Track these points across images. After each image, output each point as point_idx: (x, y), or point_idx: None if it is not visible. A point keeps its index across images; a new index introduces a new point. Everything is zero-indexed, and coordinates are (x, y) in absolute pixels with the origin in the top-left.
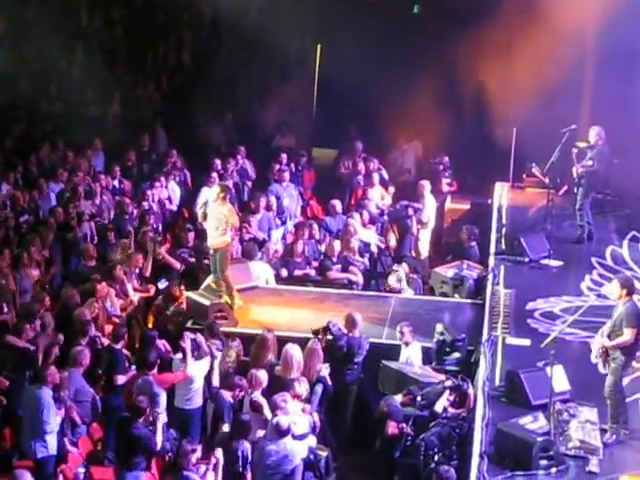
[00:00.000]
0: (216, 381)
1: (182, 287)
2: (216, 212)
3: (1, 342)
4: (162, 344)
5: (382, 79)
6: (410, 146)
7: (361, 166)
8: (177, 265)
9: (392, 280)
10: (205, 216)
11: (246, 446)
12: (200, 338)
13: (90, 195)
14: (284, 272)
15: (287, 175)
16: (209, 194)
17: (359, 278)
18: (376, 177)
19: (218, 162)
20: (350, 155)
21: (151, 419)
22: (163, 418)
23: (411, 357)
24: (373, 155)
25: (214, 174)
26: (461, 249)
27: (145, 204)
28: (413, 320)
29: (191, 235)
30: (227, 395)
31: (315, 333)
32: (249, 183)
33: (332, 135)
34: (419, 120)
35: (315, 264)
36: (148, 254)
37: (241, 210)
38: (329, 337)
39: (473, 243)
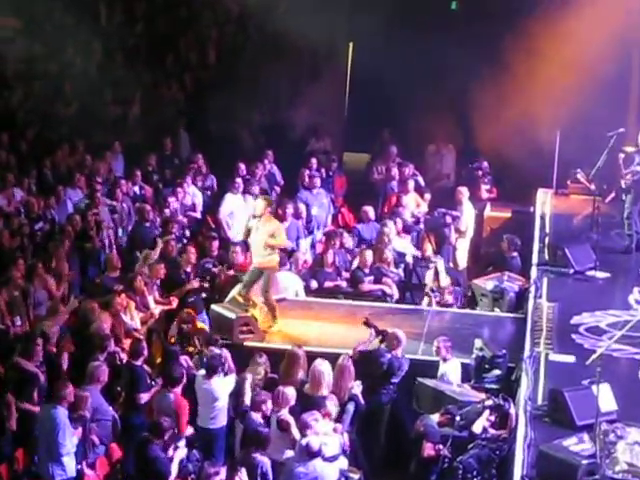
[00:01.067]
0: (248, 400)
1: (190, 310)
2: (263, 229)
3: (10, 363)
4: (184, 359)
5: (417, 79)
6: (449, 150)
7: (395, 171)
8: (195, 284)
9: (429, 277)
10: (249, 233)
11: (265, 461)
12: (226, 353)
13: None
14: (314, 283)
15: (318, 181)
16: (235, 203)
17: (393, 290)
18: (411, 183)
19: (243, 167)
20: (383, 160)
21: (171, 442)
22: (181, 453)
23: (449, 374)
24: (408, 160)
25: (238, 179)
26: (501, 260)
27: (167, 211)
28: (451, 335)
29: (215, 244)
30: (257, 416)
31: (367, 324)
32: (277, 189)
33: (364, 139)
34: (456, 122)
35: (346, 275)
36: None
37: None
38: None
39: (514, 253)
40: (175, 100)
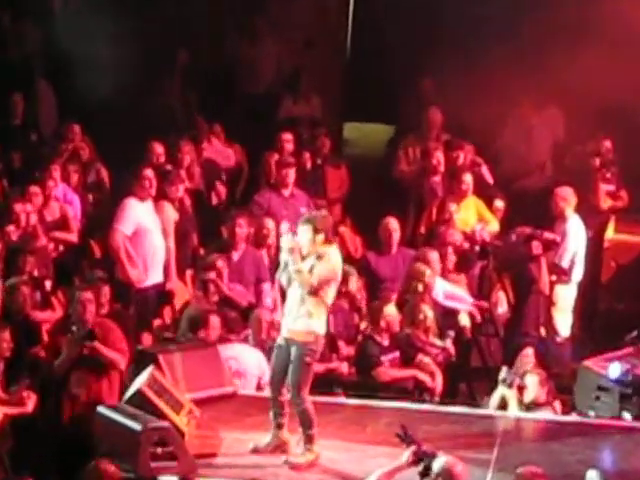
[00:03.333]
0: None
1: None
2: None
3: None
4: None
5: None
6: (546, 118)
7: (440, 157)
8: None
9: (499, 393)
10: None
11: None
12: None
13: None
14: None
15: (292, 175)
16: (145, 216)
17: (436, 379)
18: (468, 179)
19: (159, 150)
20: (418, 136)
21: None
22: None
23: None
24: (464, 136)
25: (148, 173)
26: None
27: (10, 229)
28: (544, 462)
29: (105, 293)
30: None
31: (403, 438)
32: (220, 188)
33: (381, 99)
34: (554, 74)
35: (349, 350)
36: None
37: (202, 243)
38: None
39: None
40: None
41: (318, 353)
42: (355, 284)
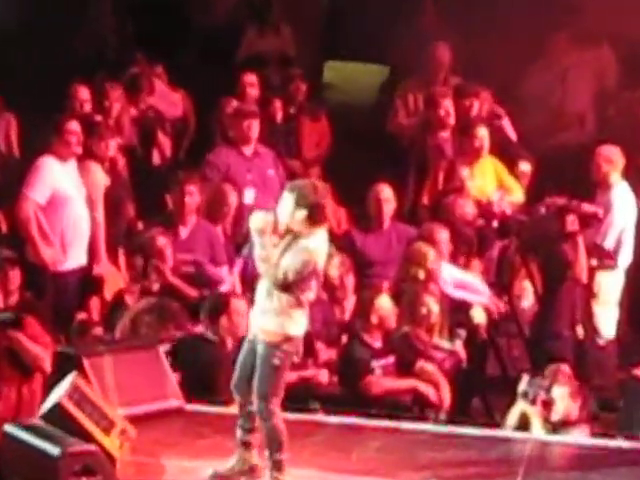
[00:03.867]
0: None
1: None
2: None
3: None
4: None
5: None
6: (589, 57)
7: (448, 106)
8: None
9: (518, 409)
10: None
11: None
12: None
13: None
14: None
15: (256, 127)
16: (64, 180)
17: (442, 392)
18: (483, 134)
19: (84, 93)
20: (421, 80)
21: None
22: None
23: None
24: (479, 78)
25: (73, 126)
26: None
27: None
28: None
29: (14, 278)
30: None
31: None
32: (164, 144)
33: (372, 32)
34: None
35: (330, 353)
36: None
37: (140, 215)
38: None
39: None
40: None
41: (291, 356)
42: (336, 269)
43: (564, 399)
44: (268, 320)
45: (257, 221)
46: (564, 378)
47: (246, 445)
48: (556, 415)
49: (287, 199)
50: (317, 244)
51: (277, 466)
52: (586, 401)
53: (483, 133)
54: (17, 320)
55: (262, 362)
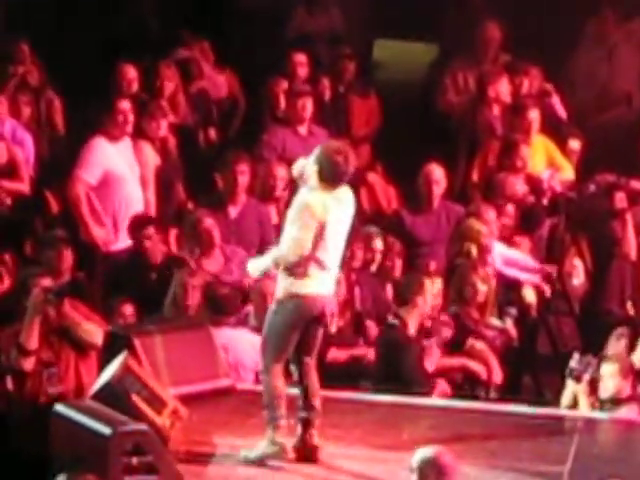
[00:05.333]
0: None
1: None
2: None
3: None
4: None
5: None
6: (635, 33)
7: (505, 84)
8: None
9: (569, 388)
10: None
11: None
12: None
13: None
14: None
15: (309, 107)
16: (117, 160)
17: (493, 371)
18: (533, 116)
19: (132, 73)
20: (471, 57)
21: None
22: None
23: None
24: (528, 56)
25: (124, 105)
26: None
27: None
28: (630, 476)
29: (67, 258)
30: None
31: None
32: (212, 124)
33: (421, 10)
34: None
35: (375, 333)
36: None
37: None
38: None
39: None
40: None
41: (299, 315)
42: (380, 246)
43: (614, 377)
44: (279, 285)
45: (295, 168)
46: (620, 339)
47: (304, 423)
48: (605, 393)
49: (313, 154)
50: (315, 198)
51: (270, 424)
52: (637, 379)
53: (534, 115)
54: (69, 291)
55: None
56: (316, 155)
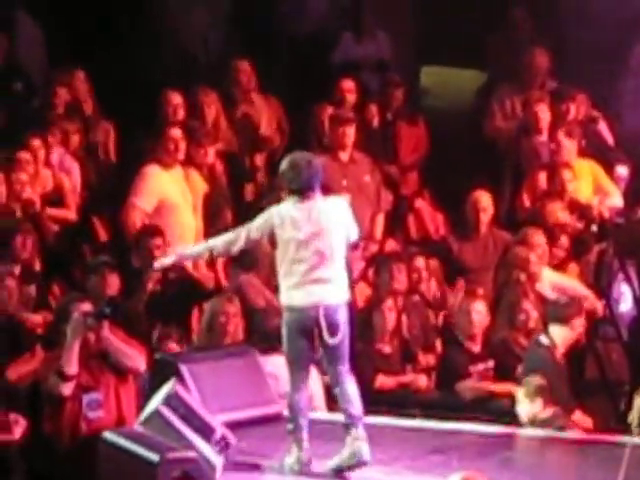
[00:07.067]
0: None
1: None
2: None
3: None
4: None
5: None
6: None
7: (544, 110)
8: None
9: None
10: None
11: None
12: None
13: None
14: None
15: (351, 134)
16: (169, 187)
17: None
18: (567, 144)
19: (178, 100)
20: (517, 82)
21: None
22: None
23: None
24: (575, 82)
25: (175, 132)
26: None
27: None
28: None
29: (114, 283)
30: None
31: None
32: (257, 158)
33: (468, 36)
34: None
35: (427, 360)
36: None
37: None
38: None
39: None
40: None
41: (295, 326)
42: (422, 265)
43: None
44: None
45: None
46: None
47: (345, 428)
48: None
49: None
50: (280, 207)
51: (292, 438)
52: None
53: (567, 144)
54: (113, 313)
55: None
56: (280, 170)
